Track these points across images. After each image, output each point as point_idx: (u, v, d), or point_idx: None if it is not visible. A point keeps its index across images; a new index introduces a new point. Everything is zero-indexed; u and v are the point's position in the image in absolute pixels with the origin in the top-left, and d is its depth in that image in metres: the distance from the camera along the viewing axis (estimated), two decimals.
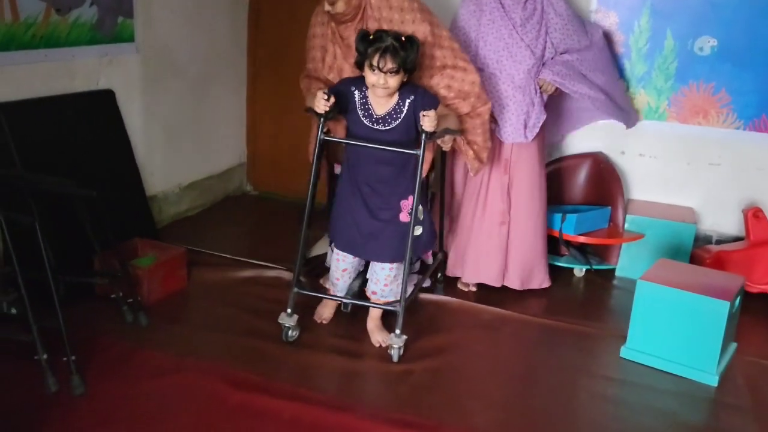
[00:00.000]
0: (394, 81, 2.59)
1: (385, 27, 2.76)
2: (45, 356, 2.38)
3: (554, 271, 3.63)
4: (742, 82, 3.67)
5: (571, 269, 3.73)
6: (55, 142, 3.15)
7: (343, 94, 2.69)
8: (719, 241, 3.83)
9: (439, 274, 3.36)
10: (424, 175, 2.74)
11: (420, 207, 2.77)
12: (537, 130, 3.29)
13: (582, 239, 3.60)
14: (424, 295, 3.30)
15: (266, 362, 2.70)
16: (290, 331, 2.82)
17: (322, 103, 2.58)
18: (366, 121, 2.71)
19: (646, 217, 3.67)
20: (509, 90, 3.24)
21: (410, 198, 2.72)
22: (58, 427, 2.24)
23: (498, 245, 3.34)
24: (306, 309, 2.97)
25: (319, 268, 3.36)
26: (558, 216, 3.57)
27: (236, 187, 4.69)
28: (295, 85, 3.22)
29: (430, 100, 2.73)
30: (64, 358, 2.41)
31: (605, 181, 3.80)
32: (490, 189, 3.33)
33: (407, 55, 2.58)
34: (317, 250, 3.49)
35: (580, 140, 3.91)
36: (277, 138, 4.59)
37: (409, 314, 3.07)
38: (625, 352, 2.91)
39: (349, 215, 2.80)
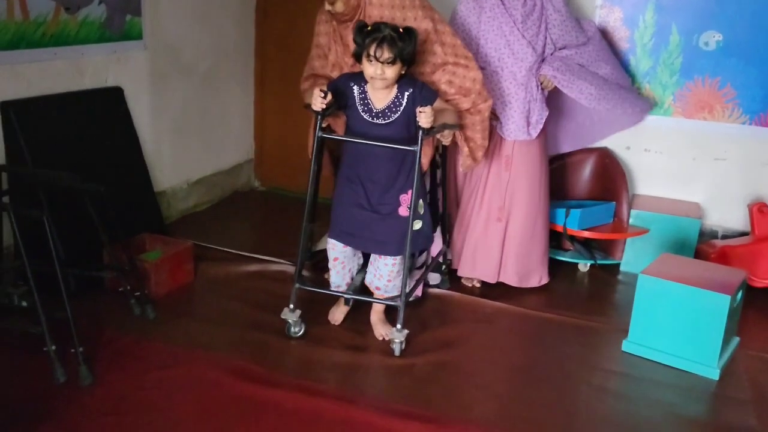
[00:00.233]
0: (391, 72, 2.60)
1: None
2: (53, 347, 2.43)
3: (558, 266, 3.66)
4: (747, 76, 3.67)
5: (576, 264, 3.74)
6: (64, 138, 3.20)
7: (341, 90, 2.71)
8: (725, 236, 3.83)
9: (444, 266, 3.38)
10: (424, 170, 2.77)
11: (420, 201, 2.80)
12: (540, 126, 3.30)
13: (586, 234, 3.61)
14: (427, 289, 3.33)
15: (270, 354, 2.74)
16: (293, 327, 2.85)
17: (318, 101, 2.59)
18: (365, 116, 2.73)
19: (651, 212, 3.67)
20: (511, 87, 3.25)
21: (410, 192, 2.74)
22: (66, 416, 2.29)
23: (494, 241, 3.35)
24: (310, 303, 3.00)
25: (324, 262, 3.38)
26: (562, 211, 3.59)
27: (244, 183, 4.74)
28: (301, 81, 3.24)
29: (429, 93, 2.74)
30: (72, 350, 2.46)
31: (610, 176, 3.81)
32: (488, 185, 3.34)
33: (405, 46, 2.59)
34: (323, 243, 3.52)
35: None
36: (284, 134, 4.63)
37: (412, 308, 3.11)
38: (626, 345, 2.93)
39: (348, 207, 2.81)
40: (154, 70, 3.76)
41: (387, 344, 2.84)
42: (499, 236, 3.35)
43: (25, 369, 2.51)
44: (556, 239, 3.76)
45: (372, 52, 2.57)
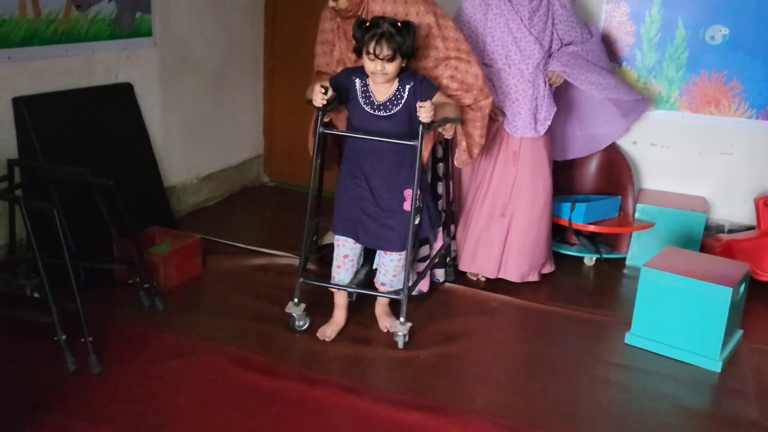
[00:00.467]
0: (391, 67, 2.62)
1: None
2: (64, 337, 2.49)
3: (564, 260, 3.68)
4: (754, 70, 3.66)
5: (581, 258, 3.76)
6: (75, 133, 3.26)
7: (343, 85, 2.73)
8: (731, 231, 3.84)
9: (448, 258, 3.41)
10: (423, 163, 2.80)
11: (419, 194, 2.79)
12: (548, 123, 3.31)
13: (592, 228, 3.62)
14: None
15: (275, 346, 2.79)
16: (298, 321, 2.87)
17: (319, 97, 2.60)
18: (367, 108, 2.74)
19: (657, 206, 3.68)
20: (519, 84, 3.26)
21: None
22: (75, 403, 2.35)
23: (497, 237, 3.36)
24: (315, 296, 3.04)
25: (330, 256, 3.41)
26: (568, 205, 3.60)
27: (253, 179, 4.79)
28: (312, 78, 3.27)
29: (429, 86, 2.75)
30: (82, 339, 2.52)
31: (616, 170, 3.83)
32: (494, 180, 3.35)
33: (404, 41, 2.60)
34: (329, 238, 3.56)
35: None
36: (293, 130, 4.67)
37: (417, 301, 3.15)
38: (629, 338, 2.95)
39: (353, 202, 2.82)
40: (164, 66, 3.82)
41: (392, 337, 2.87)
42: (503, 232, 3.37)
43: (36, 357, 2.57)
44: (561, 233, 3.78)
45: (371, 50, 2.59)
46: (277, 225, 4.17)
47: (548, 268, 3.51)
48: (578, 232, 3.72)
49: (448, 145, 3.18)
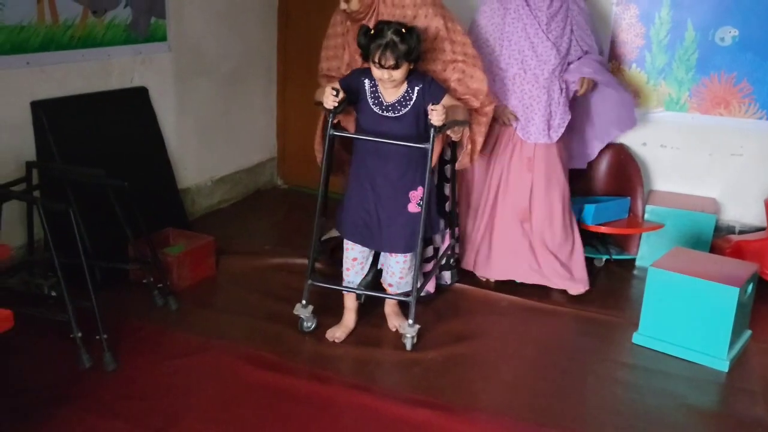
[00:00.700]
0: (398, 73, 2.64)
1: (409, 23, 2.80)
2: (80, 334, 2.55)
3: None
4: (764, 71, 3.66)
5: (591, 259, 3.77)
6: (91, 136, 3.34)
7: (353, 86, 2.75)
8: (742, 232, 3.84)
9: (452, 260, 3.40)
10: (432, 165, 2.82)
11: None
12: (562, 131, 3.30)
13: (601, 229, 3.64)
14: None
15: (286, 345, 2.83)
16: (306, 322, 2.89)
17: (330, 99, 2.62)
18: (376, 109, 2.76)
19: (666, 208, 3.69)
20: (534, 90, 3.26)
21: (419, 189, 2.78)
22: (91, 399, 2.41)
23: (520, 243, 3.35)
24: (325, 296, 3.07)
25: (340, 251, 3.41)
26: (577, 206, 3.62)
27: (267, 181, 4.85)
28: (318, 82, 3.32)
29: (438, 89, 2.77)
30: (97, 337, 2.58)
31: (625, 172, 3.84)
32: (510, 187, 3.34)
33: (408, 48, 2.60)
34: (332, 232, 3.57)
35: None
36: (306, 133, 4.66)
37: (425, 302, 3.18)
38: (637, 338, 2.96)
39: (359, 206, 2.84)
40: (179, 70, 3.89)
41: (400, 337, 2.90)
42: (527, 238, 3.35)
43: (53, 354, 2.64)
44: None
45: (377, 59, 2.61)
46: (289, 227, 4.21)
47: (583, 286, 3.41)
48: (588, 233, 3.73)
49: (455, 148, 3.20)
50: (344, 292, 2.95)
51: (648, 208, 3.73)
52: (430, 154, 2.66)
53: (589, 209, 3.60)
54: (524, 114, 3.29)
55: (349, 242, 2.90)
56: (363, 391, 2.55)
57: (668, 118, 3.88)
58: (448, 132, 2.85)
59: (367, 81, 2.76)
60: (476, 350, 2.89)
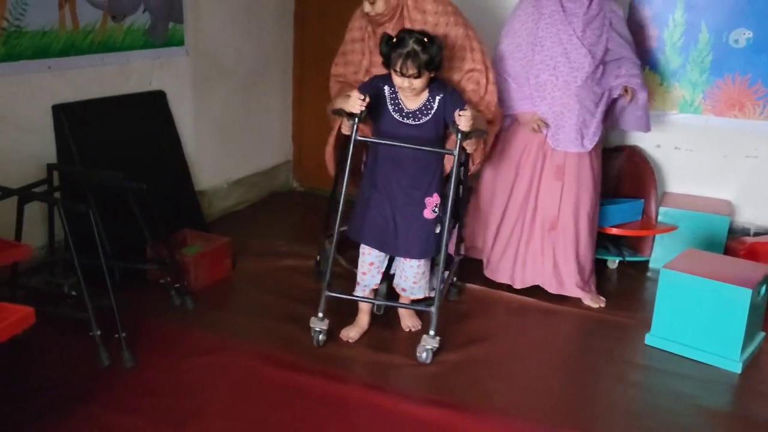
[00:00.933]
0: (419, 82, 2.65)
1: (419, 28, 2.81)
2: (99, 332, 2.61)
3: None
4: None
5: (605, 261, 3.78)
6: (110, 139, 3.40)
7: (373, 93, 2.73)
8: (757, 234, 3.82)
9: (455, 279, 3.35)
10: (446, 172, 2.84)
11: (440, 203, 2.83)
12: (596, 139, 3.25)
13: (615, 231, 3.64)
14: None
15: (300, 345, 2.86)
16: (320, 335, 2.83)
17: (358, 103, 2.61)
18: (396, 116, 2.77)
19: (680, 209, 3.70)
20: (564, 97, 3.18)
21: (435, 195, 2.80)
22: (109, 396, 2.47)
23: (547, 251, 3.31)
24: (339, 302, 3.10)
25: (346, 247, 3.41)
26: None
27: (282, 184, 4.90)
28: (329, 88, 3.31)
29: (459, 99, 2.77)
30: (116, 335, 2.64)
31: (639, 174, 3.84)
32: (539, 195, 3.30)
33: (430, 57, 2.60)
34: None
35: (616, 134, 3.95)
36: (322, 136, 4.67)
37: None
38: (649, 339, 2.97)
39: (376, 211, 2.85)
40: (196, 74, 3.95)
41: (414, 337, 2.93)
42: (552, 245, 3.31)
43: (73, 352, 2.69)
44: None
45: (398, 68, 2.62)
46: (304, 228, 4.24)
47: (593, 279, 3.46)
48: (601, 235, 3.73)
49: (467, 159, 3.18)
50: (357, 293, 2.97)
51: (661, 210, 3.73)
52: (456, 160, 2.66)
53: (604, 211, 3.60)
54: (555, 121, 3.22)
55: (366, 247, 2.91)
56: (376, 391, 2.58)
57: (682, 120, 3.88)
58: (464, 143, 2.79)
59: (387, 88, 2.76)
60: (489, 351, 2.91)
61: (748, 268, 2.93)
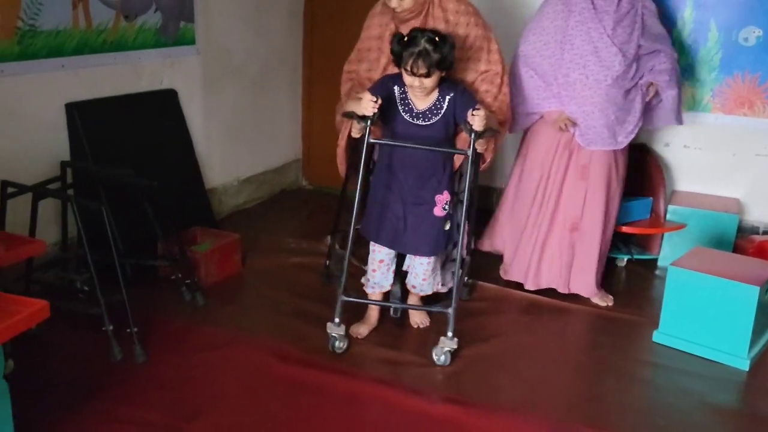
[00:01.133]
0: (429, 82, 2.65)
1: (441, 26, 2.83)
2: (111, 327, 2.65)
3: None
4: None
5: (614, 259, 3.78)
6: (123, 137, 3.44)
7: (383, 94, 2.71)
8: (766, 232, 3.82)
9: (466, 278, 3.35)
10: (455, 169, 2.85)
11: (449, 201, 2.84)
12: (632, 137, 3.21)
13: (624, 229, 3.64)
14: None
15: (310, 341, 2.89)
16: (338, 342, 2.79)
17: (370, 105, 2.60)
18: (406, 116, 2.78)
19: (688, 208, 3.70)
20: (595, 96, 3.11)
21: (445, 193, 2.82)
22: (122, 389, 2.50)
23: (566, 252, 3.28)
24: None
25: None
26: None
27: (292, 182, 4.93)
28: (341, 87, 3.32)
29: (470, 98, 2.77)
30: (128, 330, 2.68)
31: (647, 172, 3.84)
32: (564, 195, 3.27)
33: (441, 57, 2.59)
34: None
35: None
36: (331, 135, 4.72)
37: (447, 298, 3.21)
38: (657, 336, 2.98)
39: (385, 209, 2.86)
40: (206, 73, 3.99)
41: (423, 333, 2.96)
42: (572, 247, 3.28)
43: (85, 347, 2.73)
44: None
45: (409, 67, 2.61)
46: (313, 226, 4.27)
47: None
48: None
49: (478, 158, 3.16)
50: (368, 290, 2.99)
51: (670, 208, 3.73)
52: (470, 159, 2.66)
53: None
54: (584, 120, 3.16)
55: (376, 245, 2.92)
56: (385, 386, 2.60)
57: (691, 118, 3.87)
58: (476, 144, 2.78)
59: (396, 88, 2.76)
60: (497, 348, 2.92)
61: (756, 266, 2.93)
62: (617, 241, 3.78)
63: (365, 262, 3.04)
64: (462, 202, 3.00)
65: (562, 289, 3.32)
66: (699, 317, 2.86)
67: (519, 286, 3.46)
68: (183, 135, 3.85)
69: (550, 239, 3.31)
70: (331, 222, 3.45)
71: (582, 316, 3.24)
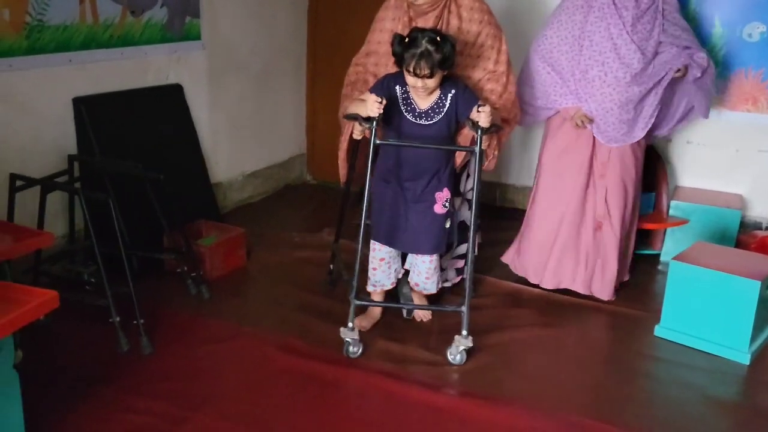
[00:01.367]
0: (432, 82, 2.65)
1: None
2: (118, 319, 2.68)
3: None
4: None
5: None
6: (129, 131, 3.47)
7: (385, 94, 2.68)
8: None
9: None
10: (458, 167, 2.87)
11: (449, 199, 2.85)
12: (647, 130, 3.18)
13: None
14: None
15: (314, 333, 2.91)
16: (352, 347, 2.75)
17: (376, 106, 2.57)
18: (409, 116, 2.77)
19: (691, 203, 3.71)
20: (614, 94, 3.07)
21: (445, 190, 2.83)
22: (128, 380, 2.54)
23: (591, 252, 3.25)
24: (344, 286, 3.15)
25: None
26: None
27: (296, 176, 4.96)
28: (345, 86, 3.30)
29: (471, 96, 2.76)
30: (135, 322, 2.71)
31: (650, 167, 3.84)
32: (588, 193, 3.23)
33: (443, 57, 2.57)
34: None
35: None
36: (335, 130, 4.72)
37: (451, 293, 3.24)
38: (659, 330, 3.00)
39: (388, 209, 2.86)
40: (212, 68, 4.01)
41: (425, 326, 2.99)
42: (597, 246, 3.25)
43: (92, 338, 2.77)
44: None
45: (411, 68, 2.59)
46: (318, 220, 4.30)
47: (626, 276, 3.44)
48: None
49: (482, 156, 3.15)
50: (369, 289, 2.99)
51: (673, 203, 3.75)
52: (477, 157, 2.65)
53: None
54: (603, 117, 3.13)
55: (377, 243, 2.92)
56: (389, 377, 2.63)
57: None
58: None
59: (398, 87, 2.74)
60: (499, 340, 2.94)
61: (757, 261, 2.95)
62: None
63: (364, 268, 2.97)
64: (470, 200, 3.01)
65: (580, 290, 3.29)
66: (700, 311, 2.87)
67: (521, 280, 3.48)
68: (189, 130, 3.88)
69: (570, 240, 3.26)
70: (335, 222, 3.40)
71: (583, 309, 3.25)
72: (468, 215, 3.04)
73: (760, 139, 3.81)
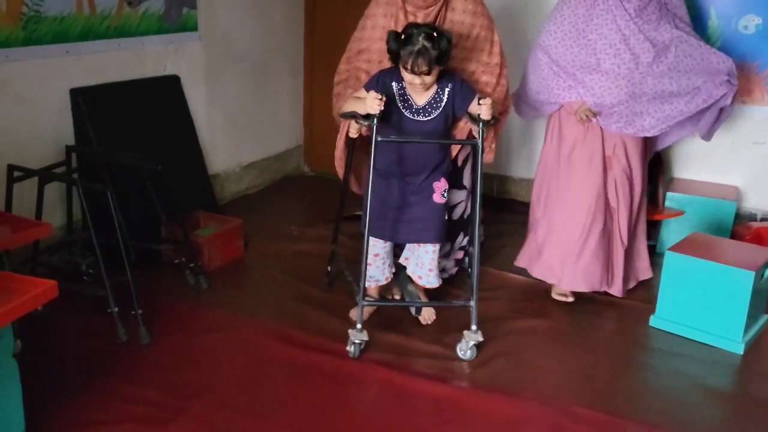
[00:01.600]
0: (430, 78, 2.63)
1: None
2: (116, 309, 2.69)
3: None
4: None
5: None
6: (127, 122, 3.47)
7: (384, 91, 2.65)
8: (764, 219, 3.85)
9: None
10: (453, 157, 2.87)
11: (447, 189, 2.86)
12: (659, 130, 3.10)
13: None
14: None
15: (312, 324, 2.93)
16: (361, 347, 2.72)
17: (376, 103, 2.54)
18: (406, 113, 2.75)
19: (686, 195, 3.73)
20: (628, 86, 3.01)
21: (442, 180, 2.83)
22: (127, 370, 2.55)
23: (601, 249, 3.16)
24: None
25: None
26: None
27: (293, 168, 4.96)
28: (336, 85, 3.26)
29: (469, 89, 2.75)
30: (133, 312, 2.72)
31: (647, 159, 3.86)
32: (607, 186, 3.17)
33: (440, 53, 2.55)
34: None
35: None
36: (332, 122, 4.75)
37: (451, 286, 3.26)
38: (654, 321, 3.02)
39: (386, 203, 2.84)
40: (209, 59, 4.01)
41: (424, 314, 3.00)
42: (607, 243, 3.18)
43: (91, 328, 2.78)
44: None
45: (408, 67, 2.57)
46: (315, 212, 4.31)
47: (647, 274, 3.37)
48: None
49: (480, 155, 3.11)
50: (369, 284, 2.96)
51: (668, 195, 3.76)
52: (481, 149, 2.65)
53: None
54: (612, 109, 3.05)
55: (372, 239, 2.86)
56: (387, 367, 2.65)
57: None
58: (474, 132, 2.77)
59: (395, 84, 2.71)
60: (496, 331, 2.95)
61: (752, 252, 2.97)
62: None
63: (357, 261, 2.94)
64: (474, 194, 2.97)
65: (600, 289, 3.20)
66: (695, 302, 2.90)
67: (514, 269, 3.46)
68: (186, 120, 3.88)
69: (583, 237, 3.16)
70: (332, 216, 3.39)
71: (579, 299, 3.27)
72: (476, 209, 3.03)
73: (755, 131, 3.83)
